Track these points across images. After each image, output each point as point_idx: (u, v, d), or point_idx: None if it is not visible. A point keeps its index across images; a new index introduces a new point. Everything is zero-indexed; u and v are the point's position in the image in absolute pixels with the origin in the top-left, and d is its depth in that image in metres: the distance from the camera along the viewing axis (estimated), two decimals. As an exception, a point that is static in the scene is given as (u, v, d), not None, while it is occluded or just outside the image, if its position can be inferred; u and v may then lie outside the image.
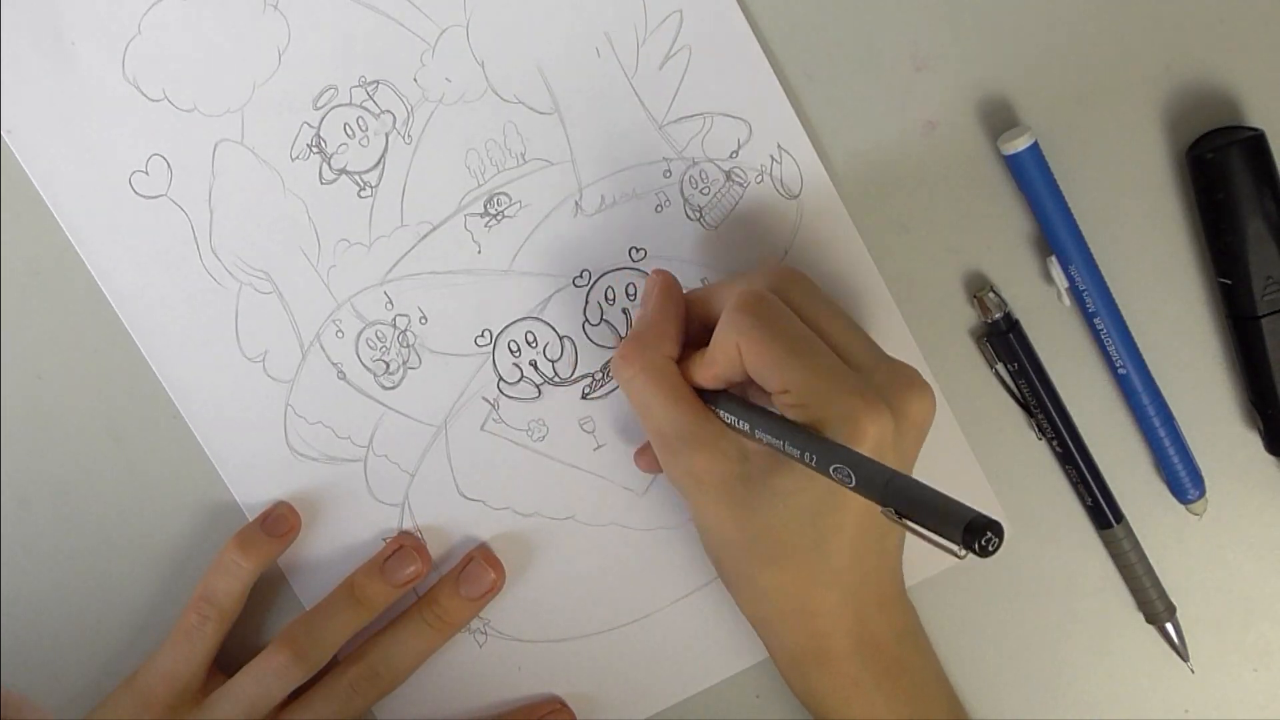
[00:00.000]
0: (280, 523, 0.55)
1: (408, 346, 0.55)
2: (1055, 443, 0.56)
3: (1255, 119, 0.53)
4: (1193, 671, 0.57)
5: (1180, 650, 0.57)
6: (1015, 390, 0.55)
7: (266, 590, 0.57)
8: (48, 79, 0.53)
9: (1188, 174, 0.53)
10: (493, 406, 0.56)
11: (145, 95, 0.53)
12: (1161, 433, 0.55)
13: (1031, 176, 0.53)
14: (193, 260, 0.54)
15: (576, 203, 0.54)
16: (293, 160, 0.54)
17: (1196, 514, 0.56)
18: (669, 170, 0.54)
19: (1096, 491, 0.56)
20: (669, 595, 0.57)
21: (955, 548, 0.36)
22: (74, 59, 0.53)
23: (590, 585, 0.57)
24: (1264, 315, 0.52)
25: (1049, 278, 0.54)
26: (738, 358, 0.47)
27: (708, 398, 0.50)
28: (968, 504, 0.36)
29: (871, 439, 0.46)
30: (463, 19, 0.53)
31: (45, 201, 0.53)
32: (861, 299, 0.55)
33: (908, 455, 0.49)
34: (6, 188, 0.54)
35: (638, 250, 0.55)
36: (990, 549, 0.35)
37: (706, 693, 0.58)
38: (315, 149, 0.54)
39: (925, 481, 0.40)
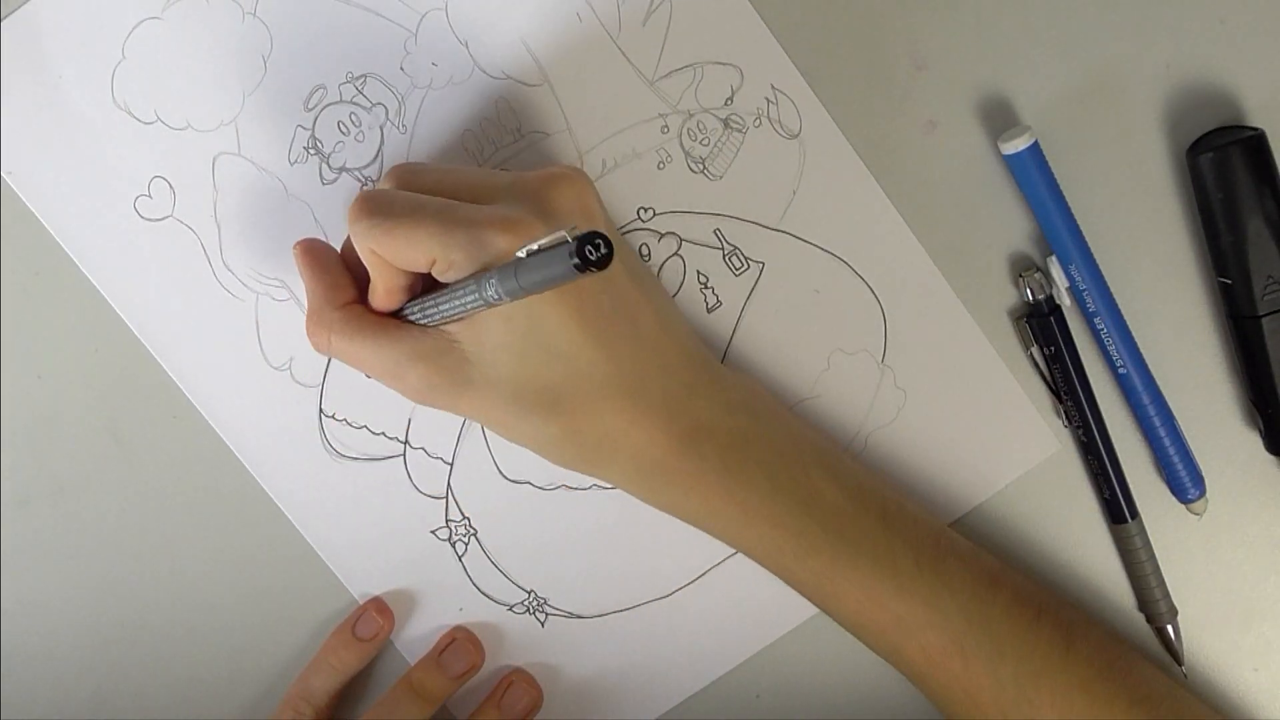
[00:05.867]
0: (368, 625, 0.56)
1: (430, 335, 0.55)
2: (1081, 432, 0.55)
3: (1255, 119, 0.53)
4: (1185, 676, 0.57)
5: (1177, 654, 0.56)
6: (1048, 375, 0.55)
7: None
8: (40, 114, 0.53)
9: (1188, 174, 0.53)
10: (522, 385, 0.55)
11: (138, 119, 0.53)
12: (1162, 432, 0.55)
13: (1031, 176, 0.52)
14: (206, 276, 0.54)
15: (578, 170, 0.54)
16: (292, 164, 0.54)
17: (1197, 513, 0.56)
18: (666, 126, 0.54)
19: (1115, 484, 0.55)
20: (724, 551, 0.57)
21: (578, 274, 0.37)
22: (63, 91, 0.53)
23: (645, 552, 0.57)
24: (1264, 315, 0.52)
25: (1049, 277, 0.54)
26: (383, 261, 0.47)
27: (401, 315, 0.50)
28: None
29: None
30: (441, 2, 0.52)
31: (54, 236, 0.54)
32: (874, 227, 0.54)
33: None
34: (6, 189, 0.54)
35: (645, 210, 0.54)
36: (596, 254, 0.36)
37: (707, 691, 0.58)
38: (313, 150, 0.54)
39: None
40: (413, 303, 0.49)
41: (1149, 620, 0.57)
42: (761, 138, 0.54)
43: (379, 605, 0.57)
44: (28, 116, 0.53)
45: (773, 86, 0.53)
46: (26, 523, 0.57)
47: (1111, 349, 0.54)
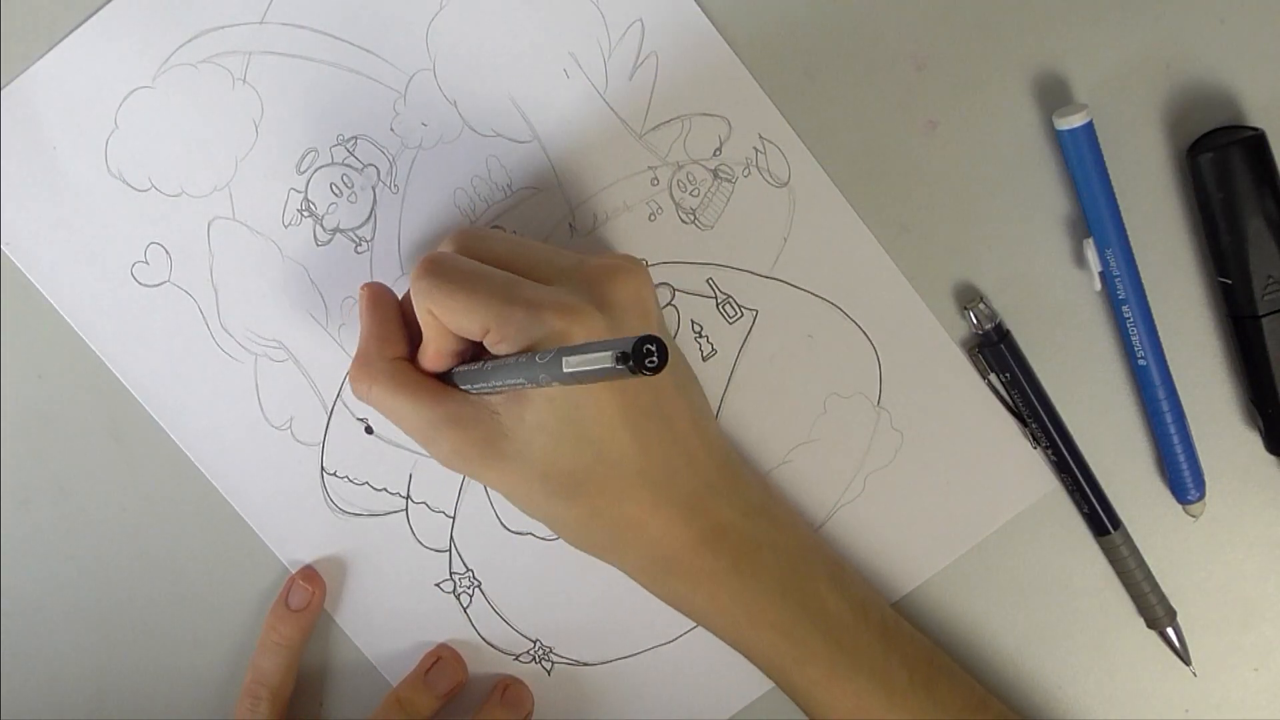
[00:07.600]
0: (300, 595, 0.56)
1: (428, 391, 0.55)
2: (1050, 451, 0.55)
3: (1255, 119, 0.53)
4: (1195, 675, 0.57)
5: (1182, 655, 0.57)
6: (1009, 400, 0.55)
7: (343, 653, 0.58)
8: (35, 186, 0.54)
9: (1188, 174, 0.53)
10: (521, 437, 0.56)
11: (132, 186, 0.54)
12: (1172, 430, 0.55)
13: (1083, 154, 0.52)
14: (205, 340, 0.55)
15: (570, 224, 0.54)
16: (286, 227, 0.54)
17: (1194, 515, 0.56)
18: (656, 178, 0.54)
19: (1093, 498, 0.55)
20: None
21: (631, 374, 0.37)
22: (57, 162, 0.53)
23: (648, 598, 0.56)
24: (1264, 315, 0.52)
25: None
26: (438, 324, 0.47)
27: (448, 377, 0.50)
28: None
29: (580, 340, 0.45)
30: (428, 62, 0.53)
31: (54, 306, 0.54)
32: (865, 271, 0.55)
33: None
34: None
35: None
36: (653, 363, 0.36)
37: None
38: (306, 213, 0.54)
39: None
40: (460, 367, 0.49)
41: (1148, 625, 0.57)
42: (751, 187, 0.54)
43: (306, 573, 0.57)
44: (24, 188, 0.54)
45: (760, 136, 0.53)
46: (26, 523, 0.57)
47: (1135, 339, 0.54)
